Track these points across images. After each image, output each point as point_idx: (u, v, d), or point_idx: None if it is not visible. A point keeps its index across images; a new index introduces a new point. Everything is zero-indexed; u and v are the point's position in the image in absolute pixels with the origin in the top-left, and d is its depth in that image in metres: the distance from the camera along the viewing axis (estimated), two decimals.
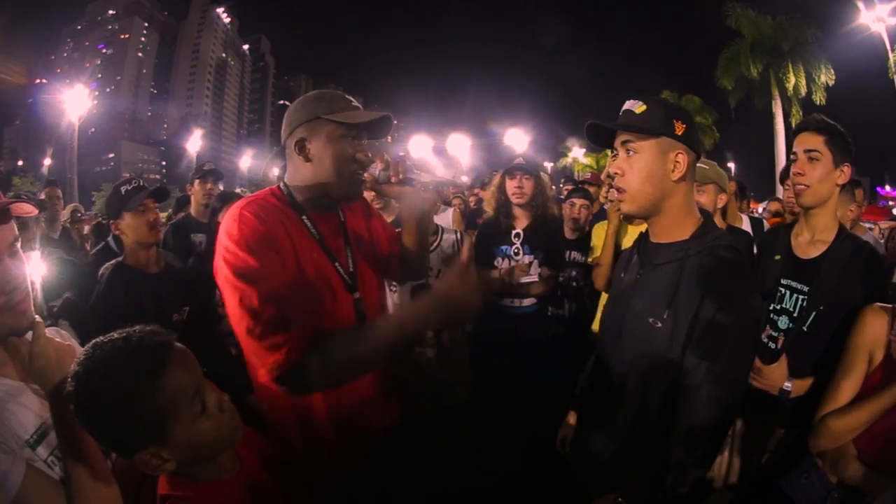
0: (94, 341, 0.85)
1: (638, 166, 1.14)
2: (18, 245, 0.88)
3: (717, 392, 1.04)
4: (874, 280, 1.48)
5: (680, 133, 1.13)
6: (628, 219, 2.41)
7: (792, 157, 1.60)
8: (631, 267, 1.29)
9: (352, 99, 1.26)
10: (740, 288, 1.07)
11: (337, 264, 1.27)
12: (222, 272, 1.13)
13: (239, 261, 1.10)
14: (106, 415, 0.81)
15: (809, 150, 1.52)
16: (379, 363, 1.20)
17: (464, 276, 1.00)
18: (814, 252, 1.56)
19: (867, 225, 4.62)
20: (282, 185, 1.30)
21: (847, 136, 1.53)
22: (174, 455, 0.85)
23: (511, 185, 2.55)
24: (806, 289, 1.54)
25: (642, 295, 1.19)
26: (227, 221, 1.16)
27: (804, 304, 1.54)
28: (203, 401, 0.88)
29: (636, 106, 1.15)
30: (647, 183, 1.14)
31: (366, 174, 1.27)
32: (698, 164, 2.26)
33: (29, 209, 0.89)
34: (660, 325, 1.11)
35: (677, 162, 1.13)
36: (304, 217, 1.25)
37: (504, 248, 2.59)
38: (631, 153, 1.15)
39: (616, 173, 1.18)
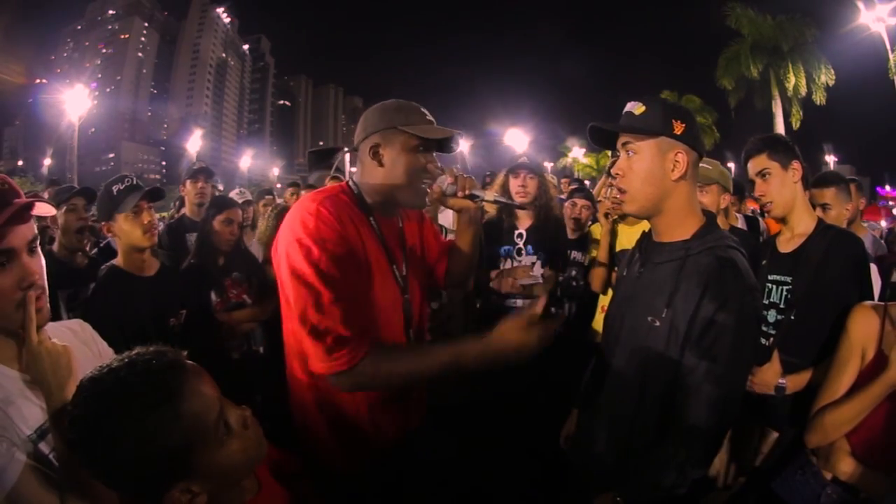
0: (90, 376, 0.74)
1: (637, 167, 1.15)
2: (38, 244, 0.90)
3: (716, 392, 1.04)
4: (853, 264, 1.54)
5: (679, 132, 1.13)
6: (623, 218, 2.43)
7: (751, 182, 1.74)
8: (633, 265, 1.29)
9: (426, 112, 1.31)
10: (740, 287, 1.06)
11: (394, 266, 1.33)
12: (292, 264, 1.15)
13: (315, 257, 1.13)
14: (123, 462, 0.70)
15: (760, 171, 1.67)
16: (422, 382, 1.28)
17: (528, 330, 1.09)
18: (794, 245, 1.66)
19: (866, 224, 4.61)
20: (352, 183, 1.34)
21: (782, 137, 1.70)
22: (205, 487, 0.75)
23: (515, 184, 2.55)
24: (789, 279, 1.62)
25: (642, 293, 1.20)
26: (303, 215, 1.19)
27: (789, 294, 1.61)
28: (226, 421, 0.80)
29: (636, 107, 1.16)
30: (647, 183, 1.14)
31: (434, 186, 1.33)
32: (700, 164, 2.29)
33: (48, 209, 0.91)
34: (658, 323, 1.11)
35: (677, 161, 1.13)
36: (371, 218, 1.31)
37: (507, 248, 2.59)
38: (631, 154, 1.16)
39: (617, 174, 1.19)
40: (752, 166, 1.70)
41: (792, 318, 1.57)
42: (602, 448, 1.23)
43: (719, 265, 1.08)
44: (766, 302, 1.68)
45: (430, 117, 1.31)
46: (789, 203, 1.65)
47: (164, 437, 0.71)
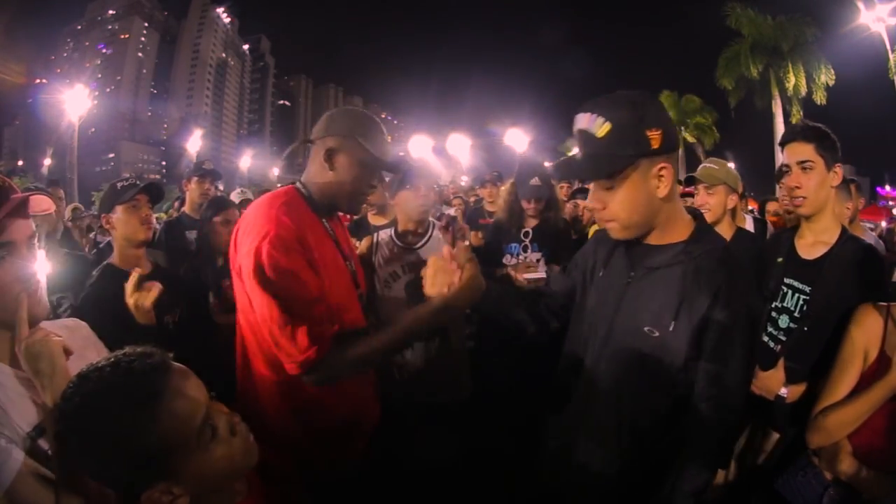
0: (79, 373, 0.76)
1: (620, 198, 1.01)
2: (35, 239, 0.92)
3: (727, 399, 1.02)
4: (874, 281, 1.48)
5: (657, 146, 0.96)
6: None
7: (784, 168, 1.58)
8: (616, 269, 1.15)
9: (385, 131, 1.36)
10: (744, 291, 1.04)
11: (349, 262, 1.40)
12: (253, 269, 1.16)
13: (275, 260, 1.15)
14: (102, 456, 0.72)
15: (802, 162, 1.51)
16: (384, 360, 1.33)
17: (452, 270, 1.12)
18: (816, 253, 1.57)
19: (868, 225, 4.61)
20: (300, 185, 1.35)
21: (832, 135, 1.53)
22: (186, 489, 0.75)
23: (525, 203, 2.60)
24: (808, 289, 1.55)
25: (634, 301, 1.08)
26: (260, 220, 1.20)
27: (805, 304, 1.54)
28: (213, 425, 0.79)
29: (596, 126, 0.96)
30: (636, 212, 1.03)
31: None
32: (707, 165, 2.20)
33: (48, 205, 0.93)
34: (657, 333, 1.03)
35: (661, 177, 1.00)
36: (324, 220, 1.36)
37: (513, 246, 2.64)
38: (608, 189, 1.02)
39: (597, 207, 1.06)
40: (795, 153, 1.52)
41: (805, 329, 1.51)
42: (597, 468, 1.12)
43: (725, 270, 1.03)
44: (779, 305, 1.61)
45: (388, 137, 1.36)
46: (822, 205, 1.53)
47: (142, 438, 0.71)
